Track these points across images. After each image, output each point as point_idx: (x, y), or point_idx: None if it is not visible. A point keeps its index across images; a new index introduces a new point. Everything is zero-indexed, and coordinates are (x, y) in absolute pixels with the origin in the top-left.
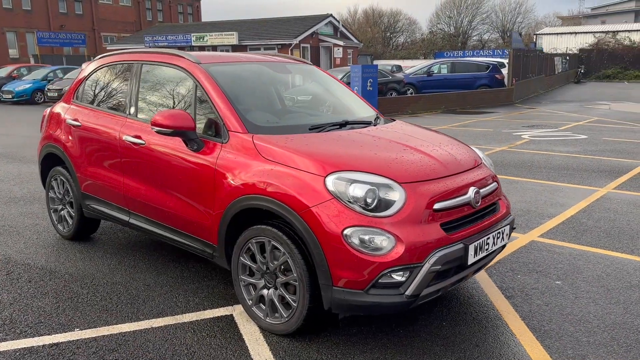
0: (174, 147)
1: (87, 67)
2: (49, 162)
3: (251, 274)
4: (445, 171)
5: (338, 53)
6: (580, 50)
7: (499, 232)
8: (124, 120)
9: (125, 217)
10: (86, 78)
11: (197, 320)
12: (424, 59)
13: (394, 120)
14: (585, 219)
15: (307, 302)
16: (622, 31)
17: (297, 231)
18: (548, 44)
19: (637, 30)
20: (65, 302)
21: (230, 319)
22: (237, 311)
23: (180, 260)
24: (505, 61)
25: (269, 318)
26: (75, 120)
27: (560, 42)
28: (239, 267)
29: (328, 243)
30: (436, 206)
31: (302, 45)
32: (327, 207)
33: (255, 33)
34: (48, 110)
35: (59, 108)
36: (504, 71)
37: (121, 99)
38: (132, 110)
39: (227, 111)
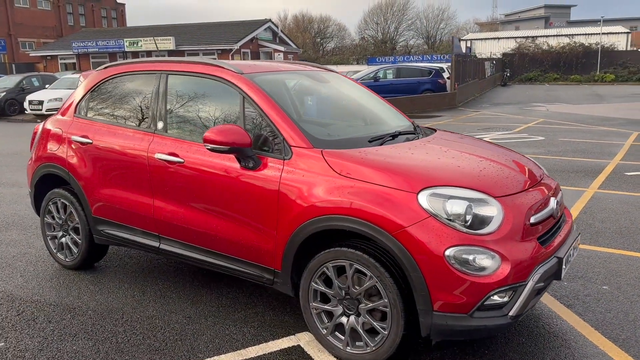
0: (223, 165)
1: (91, 78)
2: (45, 184)
3: (324, 300)
4: (528, 182)
5: (279, 58)
6: (504, 54)
7: (575, 242)
8: (151, 136)
9: (154, 243)
10: (92, 90)
11: (265, 354)
12: (357, 64)
13: (434, 129)
14: (590, 220)
15: (401, 330)
16: (541, 36)
17: (391, 253)
18: (473, 48)
19: (554, 36)
20: (104, 343)
21: (299, 350)
22: (302, 341)
23: (211, 286)
24: (445, 66)
25: (349, 347)
26: (85, 137)
27: (484, 47)
28: (310, 293)
29: (428, 265)
30: (532, 220)
31: (242, 50)
32: (425, 227)
33: (194, 38)
34: (40, 126)
35: (57, 124)
36: (444, 75)
37: (143, 113)
38: (161, 125)
39: (285, 125)
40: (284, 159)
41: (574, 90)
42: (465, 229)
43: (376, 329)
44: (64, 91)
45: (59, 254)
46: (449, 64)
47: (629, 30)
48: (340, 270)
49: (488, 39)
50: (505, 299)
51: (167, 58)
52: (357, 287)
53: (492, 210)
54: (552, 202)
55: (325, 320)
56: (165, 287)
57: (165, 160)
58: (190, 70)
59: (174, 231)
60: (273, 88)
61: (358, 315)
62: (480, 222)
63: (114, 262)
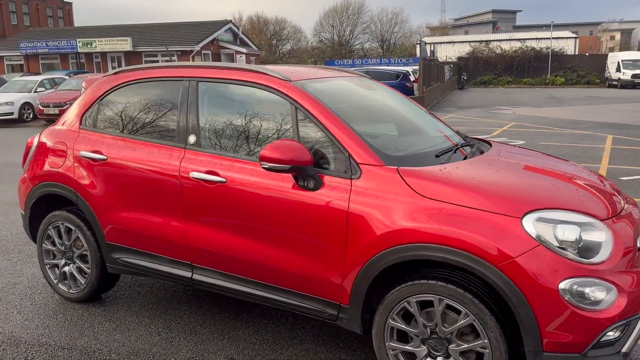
0: (275, 185)
1: (99, 85)
2: (43, 206)
3: (403, 339)
4: (622, 201)
5: (241, 60)
6: (459, 58)
7: None
8: (182, 152)
9: (185, 273)
10: (100, 98)
11: None
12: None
13: (487, 141)
14: None
15: None
16: (494, 40)
17: (494, 287)
18: (436, 52)
19: (507, 40)
20: None
21: None
22: None
23: (244, 318)
24: (410, 69)
25: None
26: (97, 152)
27: (440, 51)
28: (386, 332)
29: (540, 301)
30: (639, 243)
31: (203, 52)
32: (535, 256)
33: (152, 39)
34: (35, 139)
35: (59, 137)
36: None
37: (169, 126)
38: (193, 139)
39: (349, 140)
40: (351, 178)
41: (529, 93)
42: (578, 258)
43: None
44: (15, 94)
45: (60, 285)
46: (410, 67)
47: (576, 35)
48: (424, 305)
49: (443, 43)
50: (617, 334)
51: (195, 63)
52: (448, 326)
53: (601, 235)
54: None
55: None
56: (192, 320)
57: (202, 180)
58: (226, 77)
59: (212, 260)
60: (327, 97)
61: (447, 356)
62: (587, 249)
63: (123, 292)
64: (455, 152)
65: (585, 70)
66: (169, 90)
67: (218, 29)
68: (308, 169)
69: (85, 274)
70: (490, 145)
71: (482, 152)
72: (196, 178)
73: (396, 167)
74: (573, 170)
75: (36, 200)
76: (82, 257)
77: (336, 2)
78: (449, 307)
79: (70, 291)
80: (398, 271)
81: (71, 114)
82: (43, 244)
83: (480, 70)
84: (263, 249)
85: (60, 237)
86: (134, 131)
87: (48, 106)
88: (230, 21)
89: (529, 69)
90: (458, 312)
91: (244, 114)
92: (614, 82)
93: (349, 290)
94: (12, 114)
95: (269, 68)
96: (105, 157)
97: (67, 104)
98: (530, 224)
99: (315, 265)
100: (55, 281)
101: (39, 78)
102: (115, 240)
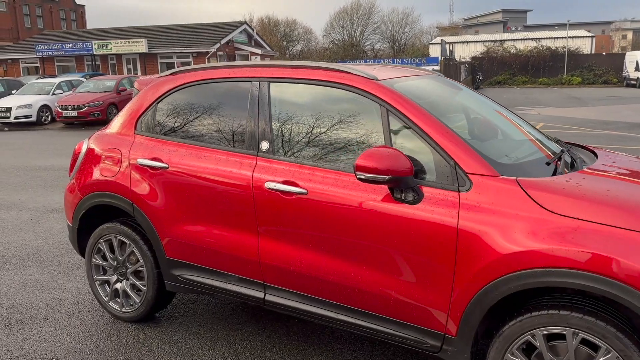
0: (366, 198)
1: (155, 87)
2: (93, 217)
3: None
4: None
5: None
6: (473, 58)
7: None
8: (253, 160)
9: (256, 293)
10: (157, 101)
11: None
12: None
13: (588, 147)
14: None
15: None
16: (508, 40)
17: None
18: (453, 52)
19: (522, 39)
20: None
21: None
22: None
23: (314, 342)
24: (429, 69)
25: None
26: (156, 160)
27: (454, 51)
28: None
29: None
30: None
31: (218, 53)
32: None
33: (167, 40)
34: (84, 145)
35: (111, 142)
36: None
37: (238, 131)
38: (265, 146)
39: (454, 146)
40: (459, 191)
41: (548, 93)
42: None
43: None
44: (34, 97)
45: (112, 303)
46: (427, 68)
47: (593, 34)
48: (550, 338)
49: (457, 42)
50: None
51: (266, 62)
52: None
53: None
54: None
55: None
56: (258, 344)
57: (279, 191)
58: (301, 76)
59: (288, 279)
60: (420, 98)
61: None
62: None
63: (177, 310)
64: (561, 159)
65: (602, 69)
66: (236, 91)
67: (233, 30)
68: (408, 180)
69: (140, 291)
70: (593, 151)
71: (584, 161)
72: (272, 189)
73: (515, 178)
74: None
75: (86, 211)
76: (137, 274)
77: (347, 3)
78: (583, 341)
79: (123, 310)
80: (509, 298)
81: (123, 117)
82: (93, 259)
83: (495, 70)
84: (350, 270)
85: (112, 251)
86: (197, 137)
87: (67, 109)
88: (245, 22)
89: (544, 68)
90: (594, 347)
91: (324, 118)
92: (633, 82)
93: (457, 320)
94: (30, 116)
95: (351, 67)
96: (166, 165)
97: (85, 107)
98: None
99: (414, 290)
100: (105, 299)
101: (56, 80)
102: (176, 256)
